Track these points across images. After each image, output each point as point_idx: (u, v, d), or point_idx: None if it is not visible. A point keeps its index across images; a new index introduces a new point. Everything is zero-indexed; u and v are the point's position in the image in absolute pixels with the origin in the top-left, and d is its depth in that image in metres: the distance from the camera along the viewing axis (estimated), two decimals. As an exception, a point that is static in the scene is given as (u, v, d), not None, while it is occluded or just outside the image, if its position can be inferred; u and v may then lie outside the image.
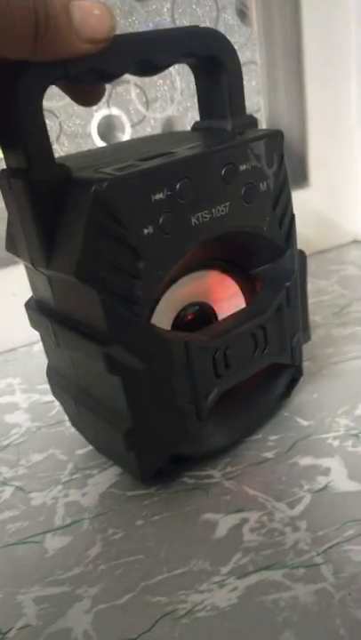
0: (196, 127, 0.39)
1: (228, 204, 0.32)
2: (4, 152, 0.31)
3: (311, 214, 0.71)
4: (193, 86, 0.55)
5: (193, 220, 0.31)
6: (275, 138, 0.34)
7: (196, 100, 0.60)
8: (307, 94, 0.65)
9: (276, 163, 0.34)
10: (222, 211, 0.32)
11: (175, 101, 0.59)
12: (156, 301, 0.34)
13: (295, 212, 0.38)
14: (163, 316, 0.35)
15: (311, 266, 0.69)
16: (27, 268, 0.36)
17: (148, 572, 0.31)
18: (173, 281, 0.35)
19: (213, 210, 0.32)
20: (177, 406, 0.34)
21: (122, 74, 0.31)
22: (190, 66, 0.36)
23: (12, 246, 0.34)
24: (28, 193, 0.29)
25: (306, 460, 0.38)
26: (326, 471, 0.36)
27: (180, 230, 0.31)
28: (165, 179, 0.29)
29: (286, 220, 0.37)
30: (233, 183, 0.32)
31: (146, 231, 0.29)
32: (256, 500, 0.35)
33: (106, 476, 0.39)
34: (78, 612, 0.30)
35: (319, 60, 0.64)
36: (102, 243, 0.28)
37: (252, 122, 0.37)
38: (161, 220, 0.30)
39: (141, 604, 0.30)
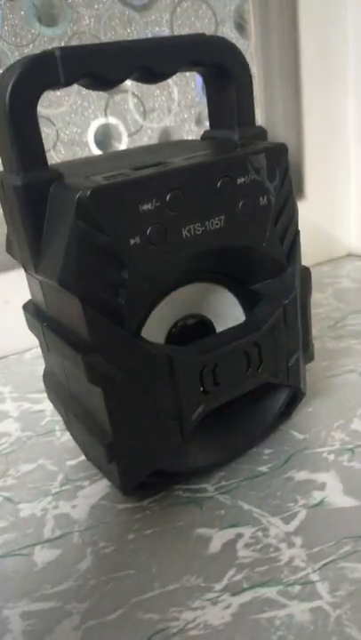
0: (204, 136, 0.38)
1: (223, 217, 0.32)
2: (1, 156, 0.30)
3: (307, 227, 0.71)
4: (190, 97, 0.55)
5: (184, 232, 0.31)
6: (277, 151, 0.33)
7: (192, 112, 0.60)
8: (304, 108, 0.65)
9: (279, 177, 0.34)
10: (217, 224, 0.32)
11: (172, 112, 0.59)
12: (148, 312, 0.33)
13: None
14: (156, 328, 0.34)
15: (306, 279, 0.69)
16: (24, 270, 0.35)
17: (139, 587, 0.31)
18: (167, 292, 0.34)
19: (207, 223, 0.31)
20: (160, 421, 0.33)
21: (122, 80, 0.31)
22: (200, 74, 0.36)
23: (9, 248, 0.34)
24: (18, 196, 0.29)
25: (301, 475, 0.37)
26: (322, 486, 0.36)
27: (170, 242, 0.30)
28: (155, 189, 0.29)
29: (289, 237, 0.36)
30: (229, 196, 0.32)
31: (132, 241, 0.29)
32: (251, 514, 0.34)
33: (97, 488, 0.38)
34: (67, 628, 0.29)
35: (316, 74, 0.64)
36: (86, 250, 0.28)
37: (262, 133, 0.36)
38: (149, 231, 0.29)
39: (132, 620, 0.29)
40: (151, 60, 0.31)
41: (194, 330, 0.37)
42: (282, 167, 0.34)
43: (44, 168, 0.29)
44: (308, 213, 0.70)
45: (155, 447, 0.33)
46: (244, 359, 0.35)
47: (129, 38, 0.55)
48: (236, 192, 0.32)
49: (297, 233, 0.36)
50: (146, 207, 0.28)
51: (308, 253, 0.72)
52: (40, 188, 0.29)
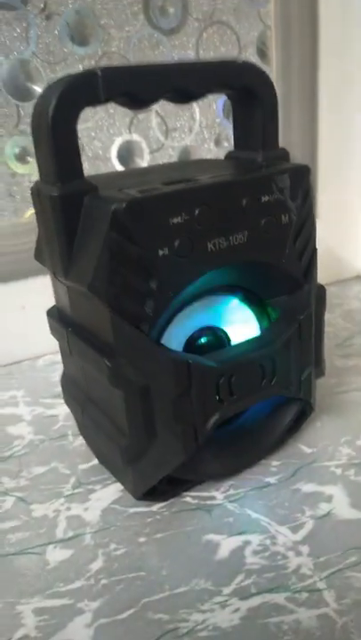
0: (228, 156, 0.40)
1: (246, 233, 0.33)
2: (38, 166, 0.32)
3: (318, 248, 0.72)
4: (211, 118, 0.57)
5: (209, 245, 0.32)
6: (300, 172, 0.35)
7: (212, 132, 0.62)
8: (320, 132, 0.67)
9: (301, 197, 0.35)
10: (240, 239, 0.33)
11: (193, 132, 0.61)
12: (168, 321, 0.34)
13: None
14: (175, 336, 0.35)
15: (315, 298, 0.70)
16: (51, 276, 0.37)
17: (149, 588, 0.31)
18: (188, 303, 0.35)
19: (231, 238, 0.33)
20: (177, 427, 0.34)
21: (157, 100, 0.32)
22: (229, 97, 0.38)
23: (39, 255, 0.35)
24: (54, 206, 0.30)
25: (309, 487, 0.38)
26: (329, 498, 0.37)
27: (196, 255, 0.32)
28: (184, 204, 0.30)
29: (307, 255, 0.37)
30: (253, 213, 0.33)
31: (161, 252, 0.30)
32: (259, 523, 0.35)
33: (108, 492, 0.39)
34: (79, 625, 0.30)
35: (334, 101, 0.66)
36: (117, 260, 0.29)
37: (284, 155, 0.38)
38: (177, 244, 0.31)
39: (143, 620, 0.30)
40: (184, 82, 0.33)
41: (210, 340, 0.38)
42: (304, 188, 0.35)
43: (79, 180, 0.31)
44: (319, 234, 0.71)
45: (170, 453, 0.34)
46: (258, 371, 0.36)
47: (157, 60, 0.57)
48: (260, 210, 0.33)
49: (314, 251, 0.38)
50: (175, 220, 0.30)
51: (318, 273, 0.73)
52: (75, 198, 0.30)
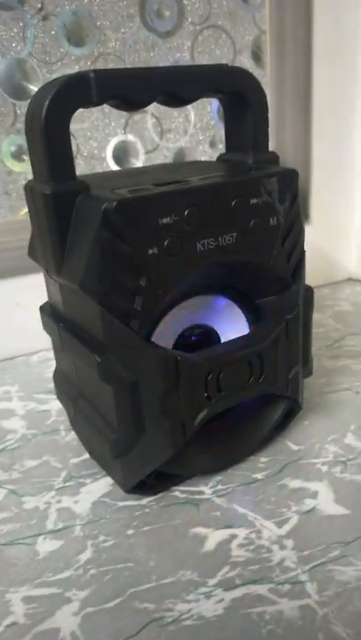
0: (220, 158, 0.41)
1: (235, 234, 0.34)
2: (32, 165, 0.32)
3: (309, 250, 0.73)
4: (206, 120, 0.58)
5: (198, 245, 0.33)
6: (289, 176, 0.36)
7: (207, 134, 0.63)
8: (313, 136, 0.68)
9: (289, 200, 0.36)
10: (229, 240, 0.34)
11: (188, 133, 0.61)
12: (159, 319, 0.35)
13: None
14: (165, 334, 0.36)
15: (307, 299, 0.71)
16: (44, 273, 0.37)
17: (137, 579, 0.32)
18: (178, 301, 0.36)
19: (220, 238, 0.34)
20: (165, 422, 0.35)
21: (149, 103, 0.33)
22: (219, 100, 0.38)
23: (32, 252, 0.36)
24: (47, 204, 0.31)
25: (295, 483, 0.39)
26: (314, 494, 0.38)
27: (185, 254, 0.32)
28: (174, 204, 0.31)
29: (295, 256, 0.38)
30: (242, 215, 0.34)
31: (150, 251, 0.31)
32: (245, 517, 0.36)
33: (98, 486, 0.40)
34: (67, 613, 0.30)
35: (327, 104, 0.67)
36: (108, 258, 0.30)
37: (274, 159, 0.39)
38: (166, 243, 0.31)
39: (129, 609, 0.30)
40: (176, 86, 0.34)
41: (200, 338, 0.39)
42: (291, 191, 0.36)
43: (72, 179, 0.31)
44: (311, 237, 0.72)
45: (158, 447, 0.35)
46: (247, 369, 0.37)
47: (152, 62, 0.58)
48: (249, 212, 0.34)
49: (302, 253, 0.39)
50: (165, 220, 0.31)
51: (310, 276, 0.74)
52: (68, 197, 0.31)
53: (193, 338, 0.39)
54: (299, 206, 0.37)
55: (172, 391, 0.34)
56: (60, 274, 0.33)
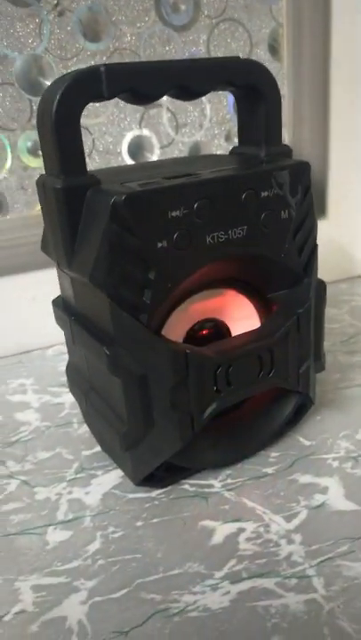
0: (233, 151, 0.41)
1: (245, 227, 0.34)
2: (43, 159, 0.33)
3: (327, 245, 0.73)
4: (221, 114, 0.58)
5: (208, 238, 0.33)
6: (300, 169, 0.35)
7: (223, 128, 0.63)
8: (331, 129, 0.67)
9: (301, 193, 0.36)
10: (239, 233, 0.34)
11: (204, 128, 0.61)
12: (169, 312, 0.35)
13: None
14: (176, 327, 0.36)
15: (323, 295, 0.70)
16: (56, 267, 0.38)
17: (144, 570, 0.32)
18: (189, 295, 0.36)
19: (230, 231, 0.33)
20: (174, 415, 0.35)
21: (160, 96, 0.33)
22: (233, 93, 0.38)
23: (45, 246, 0.36)
24: (58, 198, 0.31)
25: (305, 478, 0.39)
26: (324, 490, 0.37)
27: (194, 247, 0.32)
28: (184, 198, 0.31)
29: (307, 250, 0.38)
30: (252, 208, 0.34)
31: (160, 245, 0.31)
32: (254, 511, 0.36)
33: (109, 478, 0.40)
34: (74, 602, 0.31)
35: (344, 97, 0.66)
36: (117, 251, 0.30)
37: (287, 152, 0.38)
38: (175, 236, 0.31)
39: (136, 599, 0.31)
40: (187, 80, 0.33)
41: (211, 332, 0.39)
42: (304, 184, 0.36)
43: (83, 173, 0.32)
44: (329, 232, 0.72)
45: (167, 439, 0.35)
46: (257, 363, 0.37)
47: (167, 56, 0.58)
48: (260, 205, 0.34)
49: (315, 247, 0.38)
50: (174, 214, 0.31)
51: (328, 271, 0.74)
52: (78, 191, 0.31)
53: (204, 331, 0.39)
54: (312, 199, 0.37)
55: (181, 384, 0.34)
56: (70, 267, 0.33)
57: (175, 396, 0.34)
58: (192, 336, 0.38)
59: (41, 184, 0.33)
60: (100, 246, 0.30)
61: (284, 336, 0.37)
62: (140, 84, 0.32)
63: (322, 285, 0.40)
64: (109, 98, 0.31)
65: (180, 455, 0.37)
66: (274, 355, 0.37)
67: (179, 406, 0.34)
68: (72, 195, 0.31)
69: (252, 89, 0.36)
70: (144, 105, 0.34)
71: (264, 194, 0.34)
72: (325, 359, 0.43)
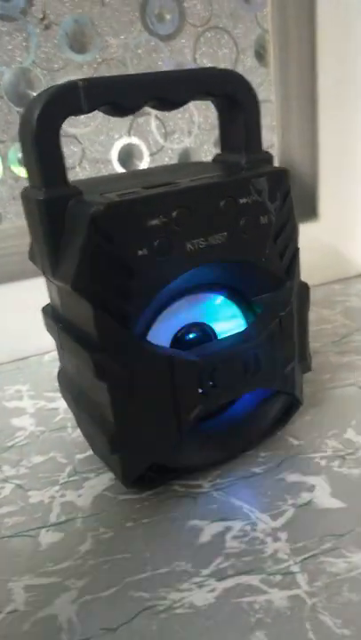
0: (215, 159, 0.42)
1: (225, 233, 0.35)
2: (27, 172, 0.34)
3: (320, 247, 0.73)
4: (210, 121, 0.58)
5: (188, 245, 0.34)
6: (278, 176, 0.36)
7: (211, 134, 0.64)
8: (319, 132, 0.68)
9: (280, 198, 0.37)
10: (219, 239, 0.35)
11: (192, 134, 0.62)
12: (154, 317, 0.36)
13: (304, 244, 0.40)
14: (162, 332, 0.37)
15: (317, 296, 0.71)
16: (45, 276, 0.39)
17: (133, 569, 0.33)
18: (173, 300, 0.37)
19: (210, 238, 0.34)
20: (160, 418, 0.36)
21: (139, 108, 0.34)
22: (212, 102, 0.39)
23: (32, 256, 0.37)
24: (40, 209, 0.33)
25: (293, 477, 0.39)
26: (311, 488, 0.38)
27: (175, 254, 0.33)
28: (162, 206, 0.32)
29: (288, 253, 0.39)
30: (231, 215, 0.35)
31: (140, 252, 0.32)
32: (241, 510, 0.37)
33: (101, 480, 0.41)
34: (65, 601, 0.32)
35: (332, 100, 0.67)
36: (98, 259, 0.31)
37: (268, 158, 0.39)
38: (156, 244, 0.32)
39: (124, 597, 0.31)
40: (165, 91, 0.34)
41: (197, 336, 0.40)
42: (283, 190, 0.36)
43: (64, 185, 0.33)
44: (321, 234, 0.73)
45: (154, 442, 0.36)
46: (241, 365, 0.37)
47: (154, 66, 0.59)
48: (239, 211, 0.35)
49: (296, 250, 0.39)
50: (153, 222, 0.32)
51: (320, 272, 0.75)
52: (60, 202, 0.32)
53: (190, 336, 0.39)
54: (292, 204, 0.38)
55: (165, 388, 0.35)
56: (55, 276, 0.34)
57: (160, 399, 0.35)
58: (179, 340, 0.39)
59: (24, 196, 0.34)
60: (81, 255, 0.31)
61: (267, 338, 0.38)
62: (119, 97, 0.33)
63: (305, 288, 0.41)
64: (89, 112, 0.33)
65: (170, 457, 0.38)
66: (258, 357, 0.38)
67: (164, 409, 0.35)
68: (54, 206, 0.32)
69: (230, 98, 0.37)
70: (123, 117, 0.35)
71: (243, 200, 0.35)
72: (312, 360, 0.44)
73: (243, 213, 0.35)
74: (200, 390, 0.36)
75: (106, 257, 0.31)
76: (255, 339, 0.38)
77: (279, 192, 0.36)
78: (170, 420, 0.36)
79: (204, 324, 0.40)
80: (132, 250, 0.32)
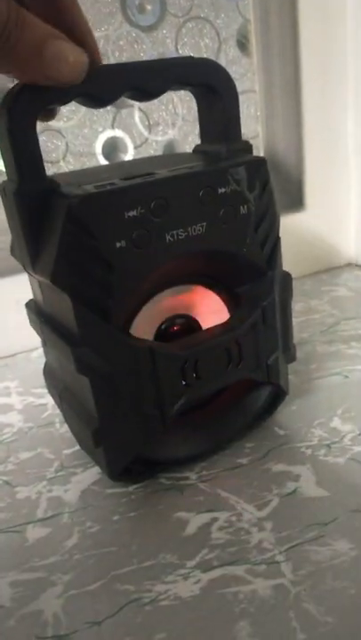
0: (196, 150, 0.41)
1: (205, 224, 0.34)
2: (4, 166, 0.34)
3: (307, 237, 0.73)
4: (193, 112, 0.58)
5: (168, 237, 0.33)
6: (257, 164, 0.36)
7: (196, 125, 0.63)
8: (304, 121, 0.68)
9: (259, 188, 0.36)
10: (199, 230, 0.34)
11: (177, 126, 0.62)
12: (137, 310, 0.36)
13: (291, 234, 0.40)
14: (145, 325, 0.37)
15: (305, 286, 0.71)
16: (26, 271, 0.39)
17: (119, 562, 0.33)
18: (155, 292, 0.37)
19: (190, 229, 0.34)
20: (143, 410, 0.36)
21: (116, 99, 0.34)
22: (191, 92, 0.39)
23: (12, 251, 0.37)
24: (17, 203, 0.32)
25: (278, 467, 0.39)
26: (296, 477, 0.38)
27: (154, 246, 0.33)
28: (139, 198, 0.32)
29: (270, 243, 0.38)
30: (211, 205, 0.34)
31: (118, 245, 0.32)
32: (227, 501, 0.37)
33: (88, 475, 0.41)
34: (50, 596, 0.32)
35: (316, 88, 0.67)
36: (75, 252, 0.31)
37: (247, 148, 0.39)
38: (134, 236, 0.32)
39: (110, 591, 0.31)
40: (142, 81, 0.34)
41: (182, 328, 0.39)
42: (262, 179, 0.36)
43: (41, 178, 0.32)
44: (308, 223, 0.72)
45: (138, 434, 0.36)
46: (224, 356, 0.37)
47: (137, 57, 0.58)
48: (218, 201, 0.35)
49: (277, 240, 0.39)
50: (131, 214, 0.31)
51: (308, 262, 0.74)
52: (37, 195, 0.32)
53: (175, 327, 0.39)
54: (272, 193, 0.38)
55: (148, 380, 0.35)
56: (35, 270, 0.34)
57: (143, 391, 0.35)
58: (163, 332, 0.39)
59: (2, 189, 0.34)
60: (59, 248, 0.31)
61: (250, 329, 0.38)
62: (95, 88, 0.32)
63: (287, 277, 0.41)
64: (64, 103, 0.32)
65: (155, 449, 0.38)
66: (241, 347, 0.38)
67: (147, 401, 0.35)
68: (30, 199, 0.32)
69: (209, 87, 0.37)
70: (100, 108, 0.35)
71: (221, 190, 0.34)
72: (296, 350, 0.44)
73: (222, 203, 0.35)
74: (183, 382, 0.36)
75: (84, 249, 0.31)
76: (238, 329, 0.37)
77: (258, 181, 0.36)
78: (153, 413, 0.36)
79: (188, 315, 0.40)
80: (110, 242, 0.31)
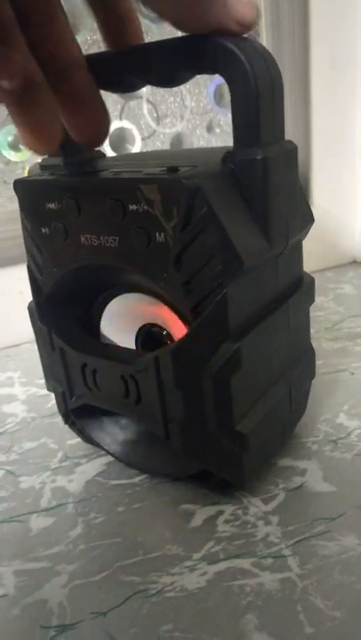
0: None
1: (117, 238, 0.31)
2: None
3: (313, 234, 0.73)
4: (202, 105, 0.58)
5: (82, 238, 0.32)
6: (174, 189, 0.27)
7: (204, 118, 0.63)
8: (312, 116, 0.67)
9: (177, 218, 0.28)
10: (111, 242, 0.31)
11: (185, 119, 0.61)
12: (99, 310, 0.38)
13: None
14: (122, 328, 0.38)
15: (309, 283, 0.71)
16: None
17: (124, 553, 0.33)
18: (112, 296, 0.38)
19: (102, 238, 0.32)
20: (63, 385, 0.39)
21: (130, 85, 0.33)
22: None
23: None
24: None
25: (284, 461, 0.39)
26: (303, 472, 0.38)
27: (71, 241, 0.33)
28: (55, 193, 0.33)
29: (199, 291, 0.29)
30: (120, 220, 0.30)
31: (43, 230, 0.34)
32: (233, 494, 0.37)
33: (93, 466, 0.41)
34: (55, 586, 0.31)
35: (326, 83, 0.67)
36: (23, 231, 0.36)
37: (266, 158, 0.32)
38: (53, 226, 0.34)
39: (115, 582, 0.31)
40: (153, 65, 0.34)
41: (157, 336, 0.38)
42: (183, 208, 0.28)
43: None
44: (315, 221, 0.72)
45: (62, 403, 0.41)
46: (121, 383, 0.35)
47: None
48: (128, 218, 0.30)
49: (223, 299, 0.29)
50: (51, 206, 0.33)
51: (314, 259, 0.74)
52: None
53: (153, 334, 0.38)
54: (215, 232, 0.28)
55: (60, 365, 0.38)
56: None
57: (55, 371, 0.39)
58: (143, 337, 0.38)
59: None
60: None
61: (144, 371, 0.33)
62: (105, 71, 0.32)
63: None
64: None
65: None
66: (139, 385, 0.34)
67: (59, 376, 0.39)
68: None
69: (222, 76, 0.36)
70: (117, 92, 0.34)
71: (132, 207, 0.29)
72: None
73: (133, 222, 0.30)
74: (84, 382, 0.37)
75: (25, 230, 0.35)
76: (130, 363, 0.34)
77: (176, 210, 0.28)
78: (63, 393, 0.40)
79: (160, 326, 0.37)
80: (38, 227, 0.34)
